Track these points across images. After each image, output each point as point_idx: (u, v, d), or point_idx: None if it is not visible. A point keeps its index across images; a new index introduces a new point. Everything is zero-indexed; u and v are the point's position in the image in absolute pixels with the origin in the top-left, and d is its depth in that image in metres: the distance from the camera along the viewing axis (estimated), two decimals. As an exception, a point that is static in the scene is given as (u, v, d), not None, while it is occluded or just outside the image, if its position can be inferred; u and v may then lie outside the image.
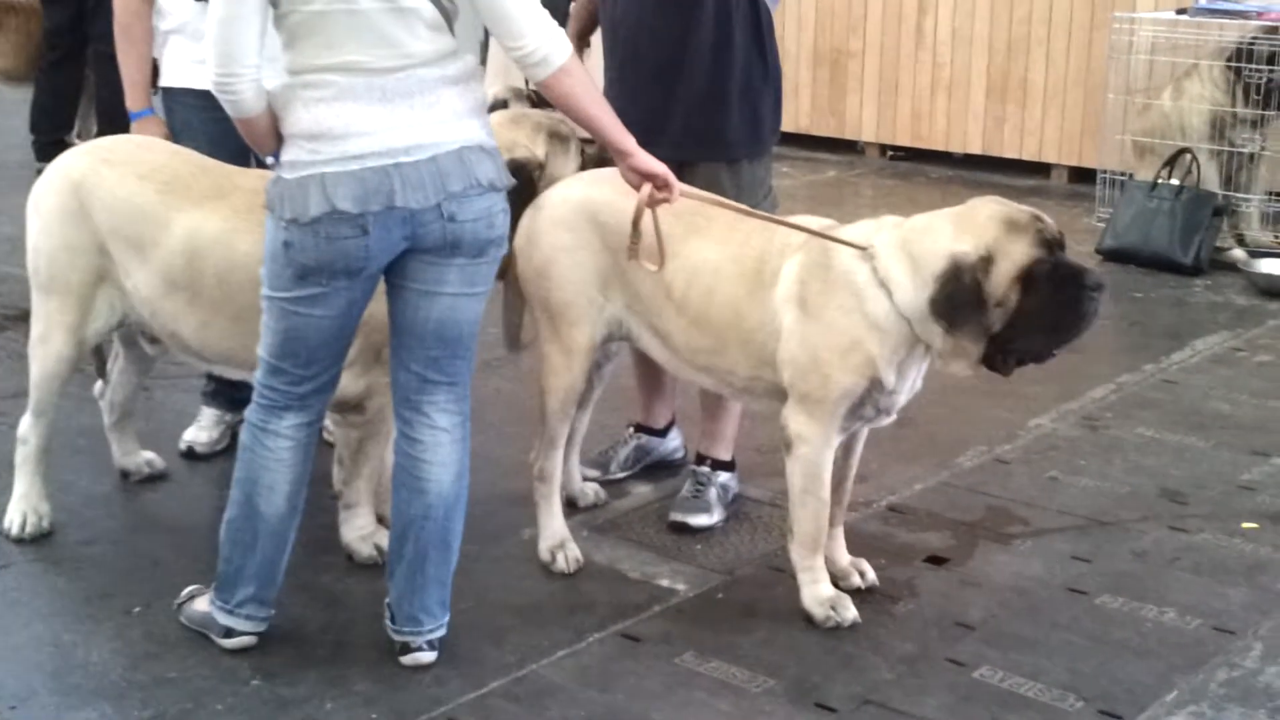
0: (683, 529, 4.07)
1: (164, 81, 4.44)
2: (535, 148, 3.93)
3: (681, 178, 3.78)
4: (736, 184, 3.99)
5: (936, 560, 3.92)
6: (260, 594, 3.39)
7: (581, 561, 3.83)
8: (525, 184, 3.82)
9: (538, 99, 4.35)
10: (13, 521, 3.99)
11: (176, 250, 3.74)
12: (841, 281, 3.43)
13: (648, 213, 3.43)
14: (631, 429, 4.50)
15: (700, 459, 4.22)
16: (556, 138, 3.96)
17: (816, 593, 3.57)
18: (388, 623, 3.39)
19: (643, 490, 4.38)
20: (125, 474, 4.40)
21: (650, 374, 4.35)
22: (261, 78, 3.11)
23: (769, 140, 4.12)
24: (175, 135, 4.34)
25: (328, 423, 4.68)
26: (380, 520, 3.94)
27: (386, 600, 3.41)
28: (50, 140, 8.03)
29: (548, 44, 3.11)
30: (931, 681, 3.32)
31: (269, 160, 3.19)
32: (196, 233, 3.72)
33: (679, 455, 4.50)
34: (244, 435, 3.35)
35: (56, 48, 8.25)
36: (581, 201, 3.74)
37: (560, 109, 3.31)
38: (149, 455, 4.45)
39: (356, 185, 3.08)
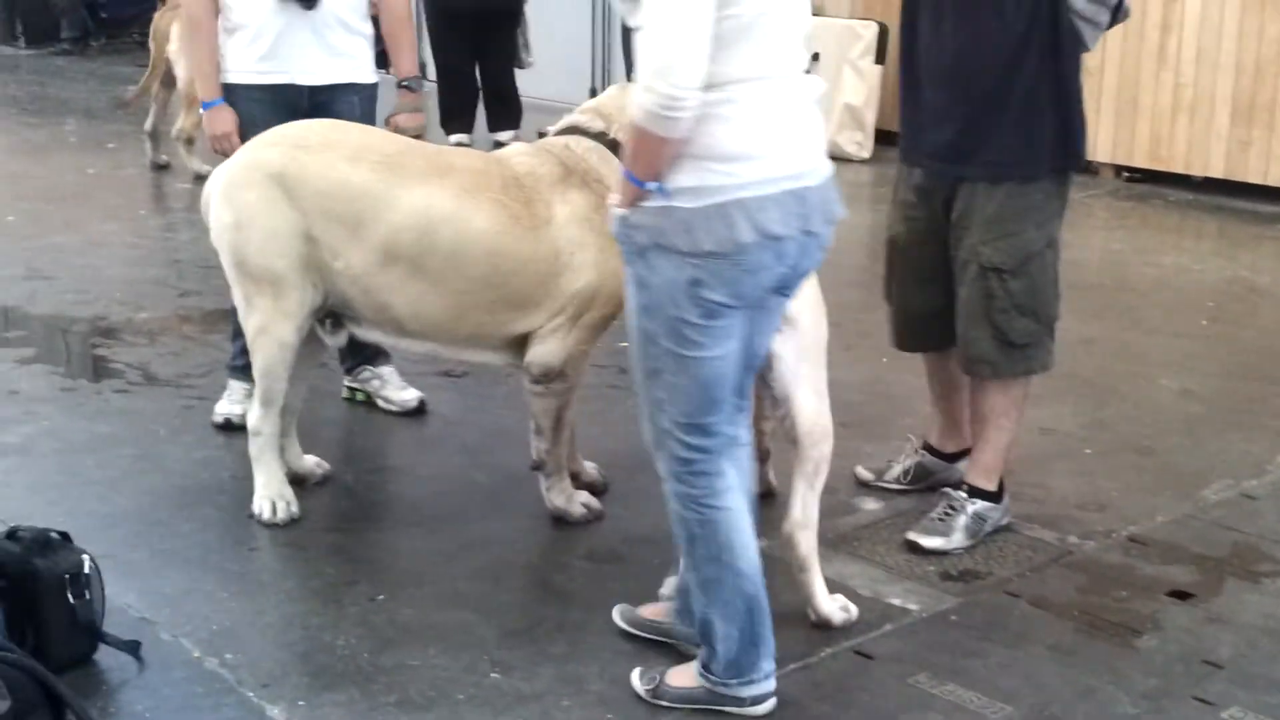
0: (913, 548, 4.01)
1: (229, 78, 4.59)
2: None
3: (944, 192, 3.91)
4: (1004, 205, 3.85)
5: (1181, 595, 3.79)
6: (771, 647, 3.19)
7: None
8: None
9: None
10: (263, 509, 4.12)
11: (403, 225, 3.84)
12: None
13: None
14: (917, 443, 4.43)
15: (958, 483, 4.14)
16: None
17: None
18: (684, 626, 3.34)
19: (873, 507, 4.33)
20: (299, 480, 4.34)
21: (945, 395, 4.34)
22: None
23: (1045, 165, 3.87)
24: (243, 127, 4.51)
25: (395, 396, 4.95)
26: (575, 476, 4.20)
27: (675, 607, 3.38)
28: None
29: None
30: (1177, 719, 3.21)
31: (651, 187, 2.82)
32: (429, 208, 3.84)
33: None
34: (688, 514, 3.04)
35: None
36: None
37: None
38: (315, 459, 4.47)
39: (778, 209, 2.82)
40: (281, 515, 4.11)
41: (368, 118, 4.68)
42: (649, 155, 2.78)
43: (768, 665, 3.17)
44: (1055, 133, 3.85)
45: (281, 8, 4.52)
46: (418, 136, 4.64)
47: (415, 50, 4.90)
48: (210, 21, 4.57)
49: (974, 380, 4.05)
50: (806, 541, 3.52)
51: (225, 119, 4.57)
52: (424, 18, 10.11)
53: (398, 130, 4.59)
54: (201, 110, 4.68)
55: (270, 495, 4.14)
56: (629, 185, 2.85)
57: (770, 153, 2.83)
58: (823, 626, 3.55)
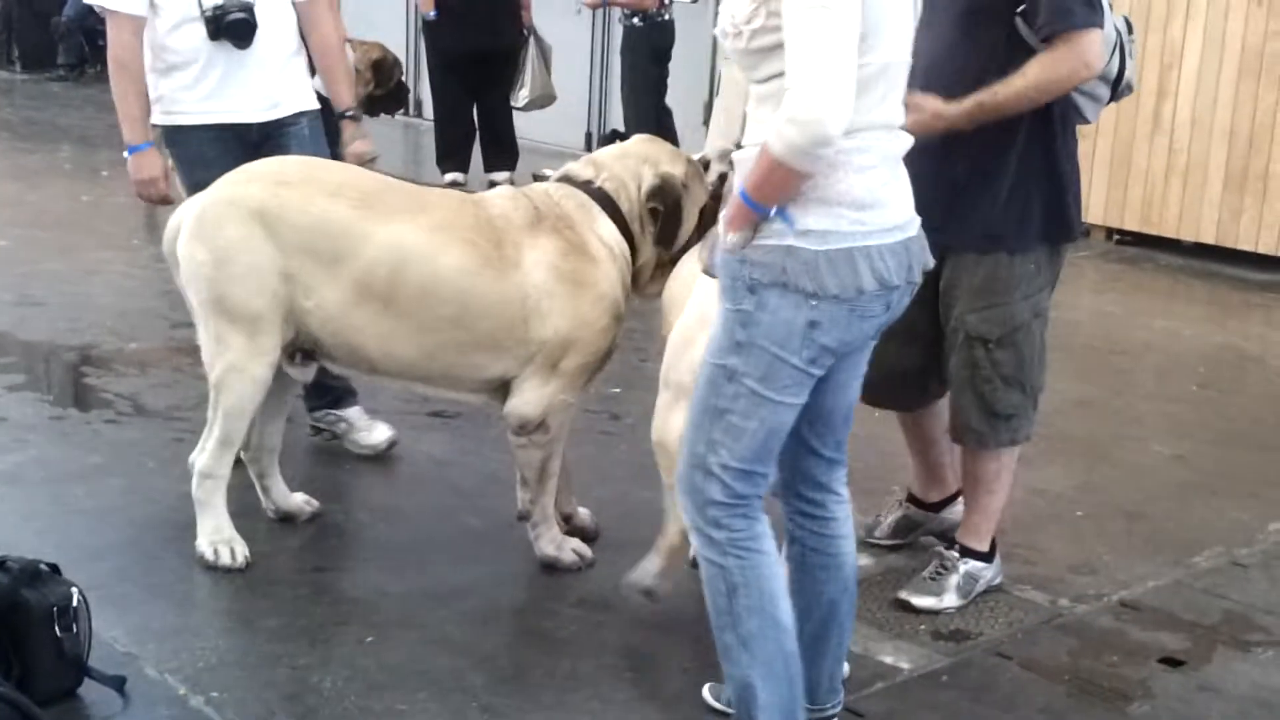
0: (904, 607, 4.00)
1: (172, 119, 4.52)
2: (674, 168, 4.05)
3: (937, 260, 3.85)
4: (992, 275, 3.81)
5: (1172, 662, 3.78)
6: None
7: None
8: (674, 202, 4.00)
9: None
10: (207, 553, 4.00)
11: (378, 260, 3.84)
12: None
13: None
14: (900, 495, 4.42)
15: (950, 542, 4.13)
16: (692, 164, 4.08)
17: None
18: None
19: (864, 563, 4.28)
20: (288, 518, 4.34)
21: (922, 448, 4.32)
22: None
23: (1035, 238, 3.82)
24: (187, 169, 4.46)
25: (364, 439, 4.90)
26: (568, 519, 4.23)
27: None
28: None
29: None
30: (1168, 788, 3.20)
31: (771, 214, 2.78)
32: (400, 244, 3.84)
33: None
34: (729, 560, 2.95)
35: None
36: None
37: None
38: (303, 496, 4.42)
39: (894, 259, 2.83)
40: (226, 561, 4.00)
41: (316, 141, 4.65)
42: (779, 186, 2.73)
43: None
44: (1046, 206, 3.80)
45: (218, 46, 4.45)
46: (372, 160, 4.63)
47: (352, 80, 4.85)
48: (138, 63, 4.46)
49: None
50: None
51: (154, 164, 4.50)
52: (425, 58, 10.20)
53: (357, 158, 4.59)
54: (126, 155, 4.54)
55: (216, 541, 4.02)
56: (746, 210, 2.79)
57: (891, 202, 2.85)
58: None
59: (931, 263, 3.01)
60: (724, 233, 2.86)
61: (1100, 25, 3.64)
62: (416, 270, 3.85)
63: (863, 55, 2.69)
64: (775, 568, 2.99)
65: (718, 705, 3.35)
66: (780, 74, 2.71)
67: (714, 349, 2.91)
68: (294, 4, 4.63)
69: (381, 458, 4.92)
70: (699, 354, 3.43)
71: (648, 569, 3.69)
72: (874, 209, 2.81)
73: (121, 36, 4.45)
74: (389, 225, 3.87)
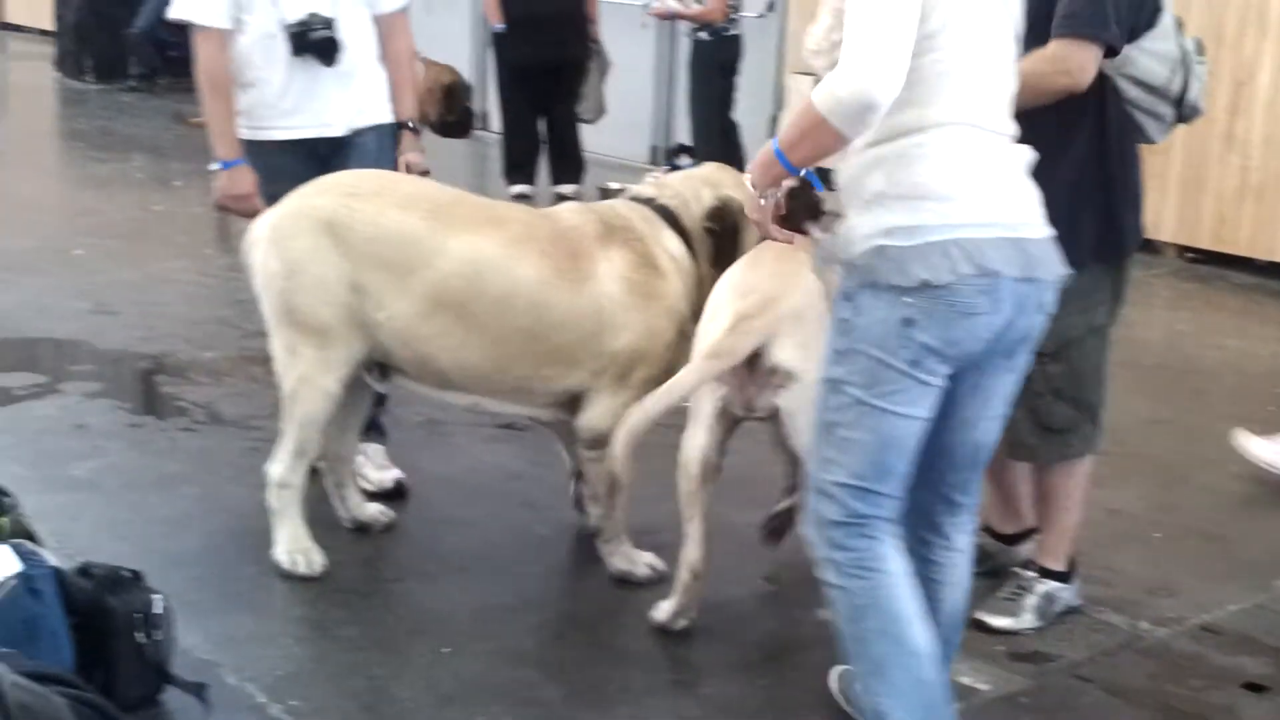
0: (980, 626, 3.95)
1: (255, 134, 4.51)
2: (737, 194, 4.02)
3: None
4: None
5: (1255, 687, 3.72)
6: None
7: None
8: (732, 225, 4.00)
9: None
10: (284, 562, 4.04)
11: (452, 272, 3.86)
12: None
13: None
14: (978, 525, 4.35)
15: (1028, 562, 4.08)
16: None
17: None
18: None
19: (939, 582, 4.28)
20: (362, 527, 4.36)
21: (997, 473, 4.23)
22: None
23: (1088, 253, 3.69)
24: (262, 181, 4.44)
25: (373, 475, 4.70)
26: None
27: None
28: None
29: None
30: (1255, 817, 3.15)
31: (801, 173, 2.88)
32: (477, 256, 3.86)
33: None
34: (851, 581, 2.90)
35: None
36: None
37: None
38: (378, 507, 4.43)
39: (996, 251, 2.77)
40: (304, 569, 4.03)
41: (385, 154, 4.65)
42: (816, 145, 2.77)
43: None
44: (1100, 222, 3.74)
45: (301, 63, 4.47)
46: (424, 174, 4.64)
47: (416, 92, 4.88)
48: (227, 78, 4.47)
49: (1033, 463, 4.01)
50: None
51: (247, 180, 4.49)
52: (492, 71, 10.24)
53: (409, 168, 4.62)
54: (219, 169, 4.53)
55: (294, 550, 4.05)
56: (774, 163, 2.84)
57: (982, 196, 2.81)
58: None
59: (1065, 273, 2.95)
60: (749, 181, 2.95)
61: (1100, 41, 3.58)
62: (493, 281, 3.87)
63: (930, 52, 2.73)
64: (902, 589, 2.90)
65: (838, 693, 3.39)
66: None
67: (823, 365, 2.92)
68: (374, 16, 4.67)
69: (456, 466, 4.92)
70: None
71: (665, 607, 3.76)
72: (958, 200, 2.78)
73: (209, 51, 4.46)
74: (463, 237, 3.90)
